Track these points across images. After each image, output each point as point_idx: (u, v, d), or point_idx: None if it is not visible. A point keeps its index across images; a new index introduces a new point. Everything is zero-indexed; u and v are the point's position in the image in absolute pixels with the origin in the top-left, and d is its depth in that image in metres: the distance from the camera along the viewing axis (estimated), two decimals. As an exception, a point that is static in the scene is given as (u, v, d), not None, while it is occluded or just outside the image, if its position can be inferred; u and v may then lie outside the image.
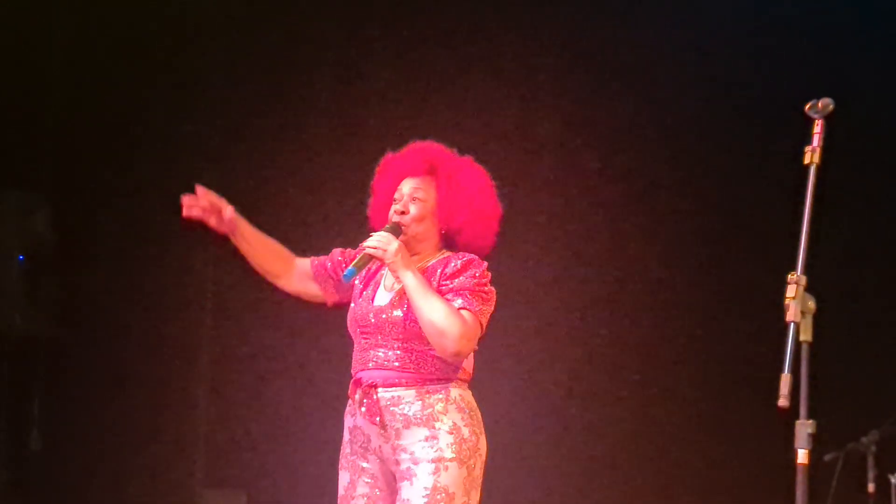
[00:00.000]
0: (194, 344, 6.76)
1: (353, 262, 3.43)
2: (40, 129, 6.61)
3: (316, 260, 3.65)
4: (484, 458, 3.41)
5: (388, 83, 6.62)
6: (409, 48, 6.60)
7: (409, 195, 3.49)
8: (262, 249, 3.62)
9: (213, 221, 3.55)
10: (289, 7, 6.68)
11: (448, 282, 3.38)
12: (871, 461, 5.42)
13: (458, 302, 3.34)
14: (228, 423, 6.70)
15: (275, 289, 3.50)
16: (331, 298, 3.65)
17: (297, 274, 3.65)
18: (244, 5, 6.70)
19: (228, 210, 3.53)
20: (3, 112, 6.28)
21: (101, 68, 6.57)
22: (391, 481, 3.41)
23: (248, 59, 6.58)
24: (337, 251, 3.63)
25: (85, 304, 6.58)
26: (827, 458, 5.35)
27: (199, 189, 3.54)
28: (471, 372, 3.47)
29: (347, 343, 3.55)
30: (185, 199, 3.54)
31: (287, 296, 3.72)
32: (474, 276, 3.39)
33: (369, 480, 3.43)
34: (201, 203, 3.53)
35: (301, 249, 3.70)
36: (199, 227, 3.59)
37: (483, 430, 3.42)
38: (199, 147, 6.54)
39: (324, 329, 6.41)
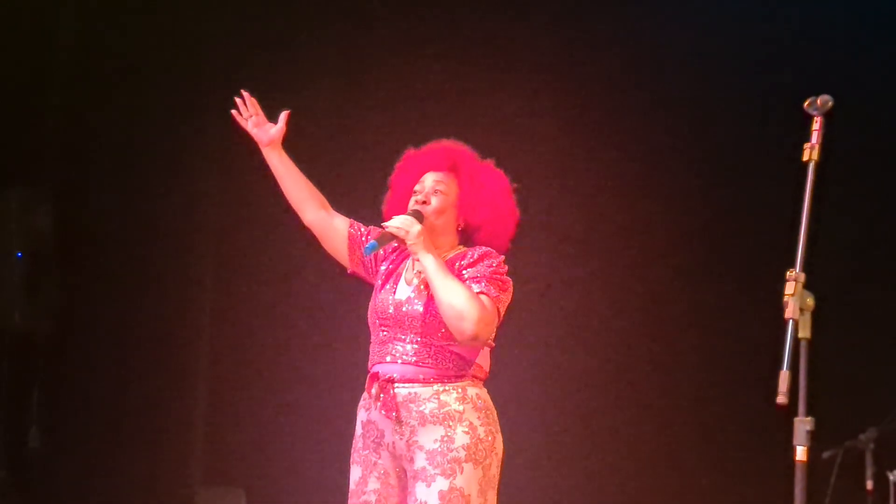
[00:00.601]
0: (194, 342, 6.76)
1: (376, 238, 3.44)
2: (42, 126, 6.60)
3: (355, 224, 3.66)
4: (500, 457, 3.41)
5: (390, 84, 6.62)
6: (411, 46, 6.59)
7: (432, 187, 3.51)
8: (293, 174, 3.69)
9: (255, 131, 3.67)
10: (292, 5, 6.68)
11: (466, 270, 3.39)
12: (869, 458, 5.43)
13: (476, 287, 3.34)
14: (228, 422, 6.70)
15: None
16: (353, 266, 3.66)
17: (329, 221, 3.67)
18: (248, 5, 6.69)
19: (272, 127, 3.66)
20: (5, 108, 6.28)
21: (103, 65, 6.56)
22: (402, 477, 3.41)
23: (249, 59, 6.57)
24: (375, 228, 3.62)
25: (85, 301, 6.57)
26: (825, 455, 5.36)
27: (250, 98, 3.67)
28: (487, 370, 3.47)
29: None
30: (242, 102, 3.66)
31: (307, 232, 3.74)
32: (491, 266, 3.41)
33: (381, 476, 3.42)
34: (251, 111, 3.66)
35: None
36: (241, 128, 3.71)
37: (499, 429, 3.42)
38: (200, 146, 6.54)
39: (324, 328, 6.44)
